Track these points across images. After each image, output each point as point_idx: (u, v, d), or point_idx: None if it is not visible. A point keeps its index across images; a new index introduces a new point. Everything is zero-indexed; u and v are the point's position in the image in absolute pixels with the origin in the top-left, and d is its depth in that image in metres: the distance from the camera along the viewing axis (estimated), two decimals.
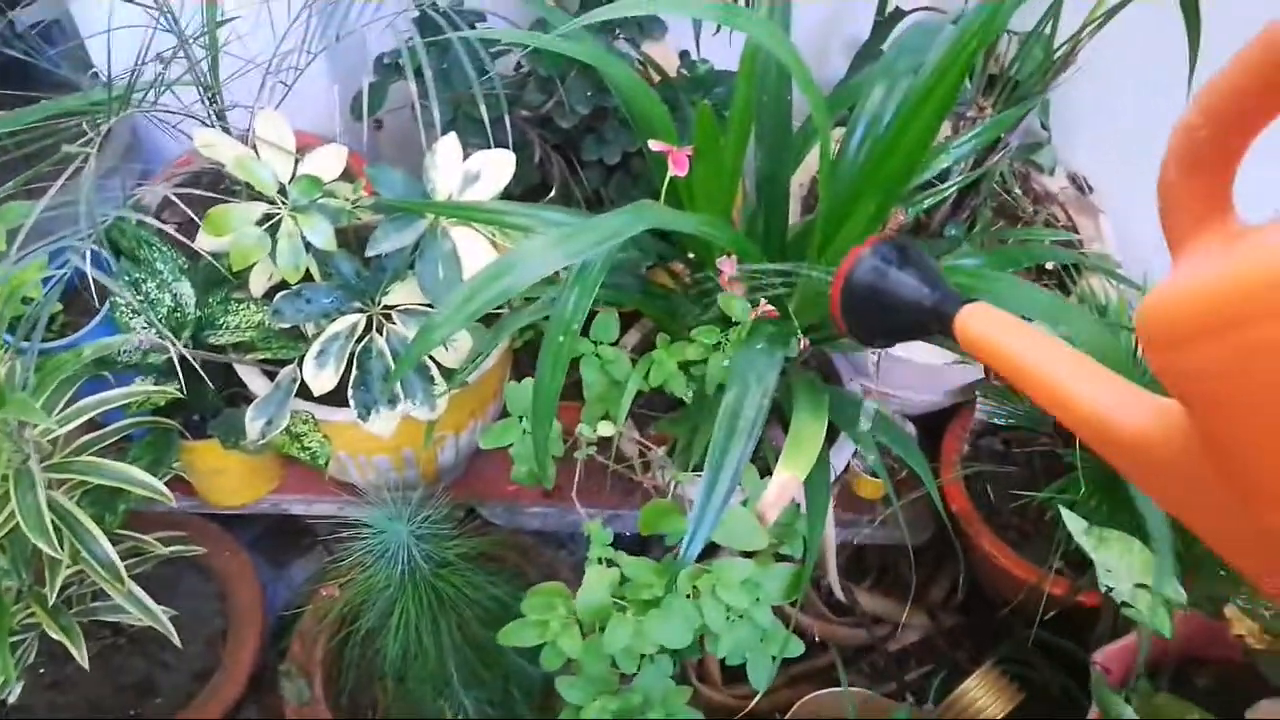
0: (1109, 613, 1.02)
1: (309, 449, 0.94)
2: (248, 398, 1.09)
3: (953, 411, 1.23)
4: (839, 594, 1.18)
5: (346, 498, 1.25)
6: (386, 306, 0.93)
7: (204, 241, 0.95)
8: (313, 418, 0.95)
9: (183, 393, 0.96)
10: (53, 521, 0.87)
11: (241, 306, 1.00)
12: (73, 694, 1.14)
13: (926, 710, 1.15)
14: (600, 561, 0.76)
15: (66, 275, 0.85)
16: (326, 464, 0.93)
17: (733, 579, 0.73)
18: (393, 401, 0.91)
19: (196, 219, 0.93)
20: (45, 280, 1.00)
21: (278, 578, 1.37)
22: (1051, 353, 0.35)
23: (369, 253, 0.87)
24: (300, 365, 0.95)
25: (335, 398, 0.95)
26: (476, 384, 1.04)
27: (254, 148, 0.97)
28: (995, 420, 1.20)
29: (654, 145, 0.81)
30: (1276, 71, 0.24)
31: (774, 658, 0.78)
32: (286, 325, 0.92)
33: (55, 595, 0.91)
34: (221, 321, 1.00)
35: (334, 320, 0.91)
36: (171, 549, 1.06)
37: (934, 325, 0.45)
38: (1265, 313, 0.23)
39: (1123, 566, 0.87)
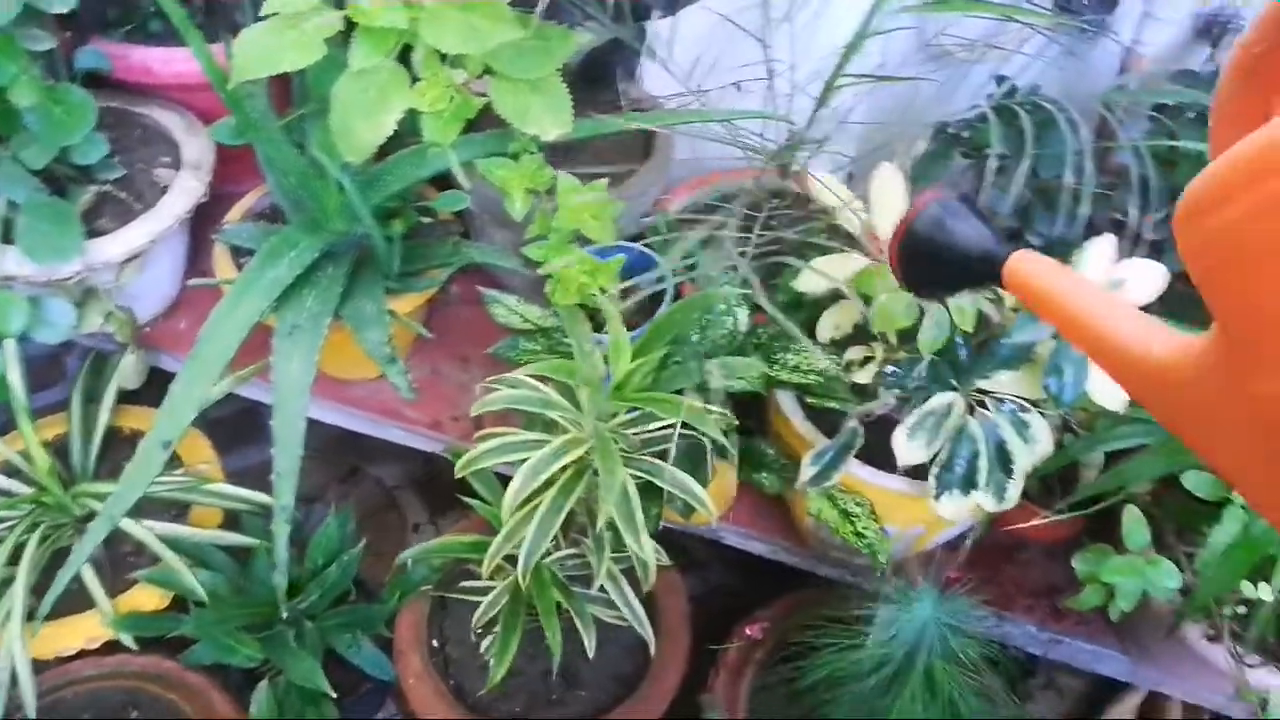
0: None
1: (864, 536, 0.91)
2: (757, 429, 1.10)
3: None
4: None
5: (785, 543, 1.24)
6: (980, 390, 0.90)
7: (805, 281, 0.95)
8: (866, 509, 0.93)
9: (737, 422, 0.97)
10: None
11: (802, 348, 1.00)
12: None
13: None
14: None
15: None
16: (886, 563, 0.90)
17: None
18: (970, 487, 0.88)
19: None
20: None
21: None
22: (1089, 294, 0.38)
23: (1012, 339, 0.85)
24: (860, 424, 0.94)
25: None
26: None
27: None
28: None
29: None
30: None
31: None
32: (884, 387, 0.90)
33: (599, 579, 0.93)
34: (779, 358, 1.00)
35: (930, 396, 0.89)
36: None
37: (983, 273, 0.48)
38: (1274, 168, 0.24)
39: None
